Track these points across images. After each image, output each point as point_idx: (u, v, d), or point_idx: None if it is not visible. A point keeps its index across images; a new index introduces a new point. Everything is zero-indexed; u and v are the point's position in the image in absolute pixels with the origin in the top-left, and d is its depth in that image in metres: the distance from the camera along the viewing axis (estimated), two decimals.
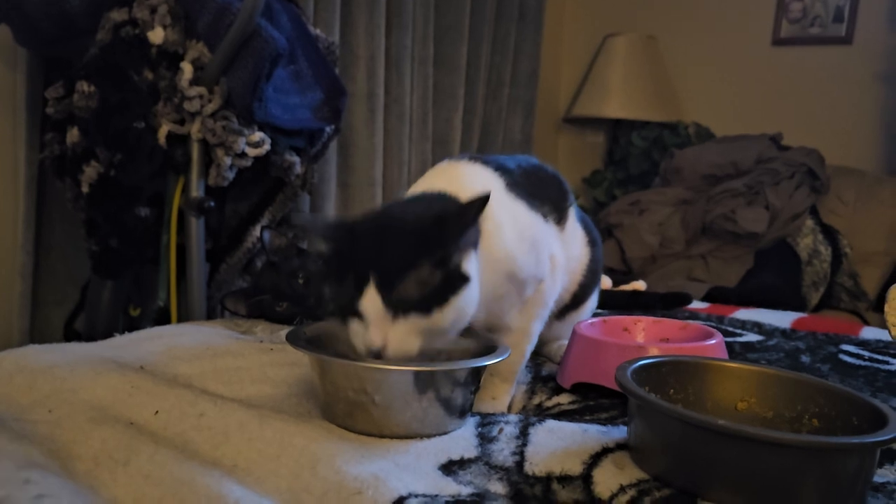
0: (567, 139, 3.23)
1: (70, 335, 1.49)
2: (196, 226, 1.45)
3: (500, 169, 0.89)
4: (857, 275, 2.18)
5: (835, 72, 2.61)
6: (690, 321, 1.16)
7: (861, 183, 2.35)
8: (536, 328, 0.90)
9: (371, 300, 0.69)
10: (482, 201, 0.70)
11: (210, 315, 1.43)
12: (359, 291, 0.69)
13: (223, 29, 1.40)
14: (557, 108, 3.20)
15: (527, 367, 1.01)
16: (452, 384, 0.74)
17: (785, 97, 2.69)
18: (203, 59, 1.42)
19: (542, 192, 0.94)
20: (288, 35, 1.61)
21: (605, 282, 1.55)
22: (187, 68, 1.41)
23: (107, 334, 1.35)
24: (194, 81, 1.41)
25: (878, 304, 2.26)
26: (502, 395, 0.88)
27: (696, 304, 1.56)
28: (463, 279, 0.71)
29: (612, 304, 1.36)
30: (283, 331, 0.97)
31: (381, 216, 0.75)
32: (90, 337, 1.43)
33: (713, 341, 0.90)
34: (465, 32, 2.65)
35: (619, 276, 2.25)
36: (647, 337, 0.98)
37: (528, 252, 0.84)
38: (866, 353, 1.13)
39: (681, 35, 2.91)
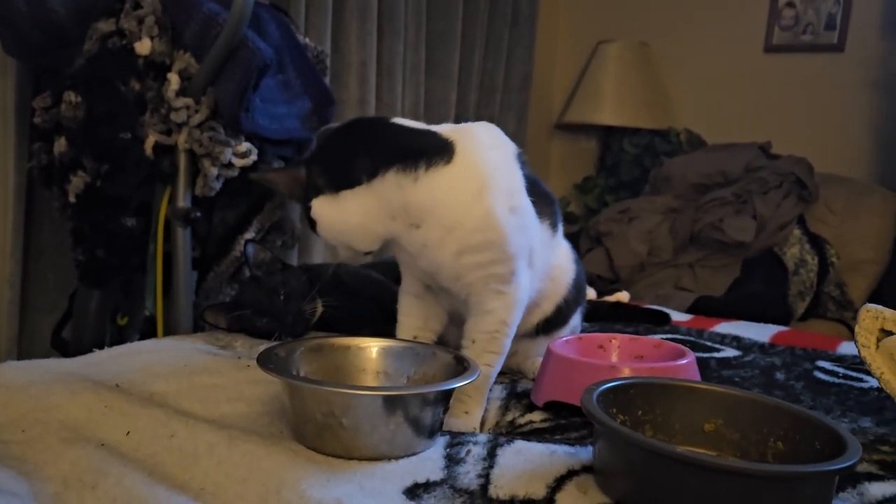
0: (559, 145, 3.24)
1: (57, 344, 1.50)
2: (182, 236, 1.45)
3: (516, 154, 0.95)
4: (844, 284, 2.19)
5: (826, 79, 2.62)
6: (666, 338, 1.18)
7: (850, 191, 2.35)
8: (514, 319, 0.90)
9: None
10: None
11: (196, 324, 1.44)
12: None
13: (210, 40, 1.41)
14: (550, 114, 3.21)
15: (503, 383, 1.02)
16: (421, 405, 0.75)
17: (777, 104, 2.70)
18: (190, 70, 1.42)
19: (539, 196, 0.96)
20: (276, 44, 1.62)
21: (590, 292, 1.56)
22: (174, 79, 1.42)
23: (94, 343, 1.37)
24: (181, 92, 1.42)
25: None
26: (475, 409, 0.89)
27: (681, 316, 1.56)
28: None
29: (594, 316, 1.37)
30: (263, 346, 0.97)
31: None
32: (77, 346, 1.44)
33: (685, 361, 0.91)
34: (458, 38, 2.66)
35: (607, 285, 2.26)
36: (621, 355, 0.99)
37: (513, 224, 0.86)
38: (841, 370, 1.14)
39: (673, 42, 2.91)
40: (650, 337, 1.05)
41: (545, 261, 0.98)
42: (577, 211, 3.00)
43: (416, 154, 0.86)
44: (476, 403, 0.90)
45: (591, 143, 3.14)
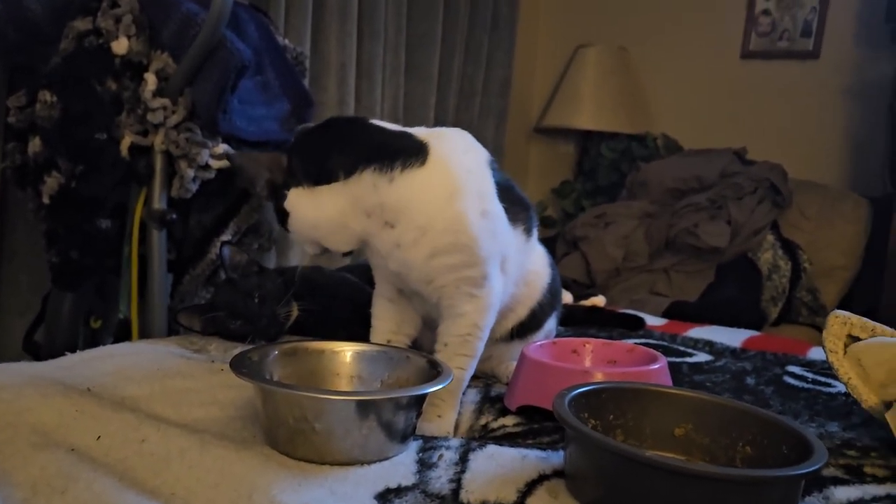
0: (538, 149, 3.26)
1: (29, 348, 1.48)
2: (158, 238, 1.44)
3: (489, 159, 0.96)
4: (816, 290, 2.22)
5: (802, 86, 2.65)
6: (640, 343, 1.19)
7: (824, 198, 2.39)
8: (487, 323, 0.91)
9: None
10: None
11: (171, 327, 1.43)
12: None
13: (188, 40, 1.40)
14: (529, 118, 3.22)
15: (477, 387, 1.02)
16: (394, 410, 0.75)
17: (753, 110, 2.73)
18: (167, 70, 1.41)
19: (513, 202, 0.98)
20: (255, 45, 1.61)
21: (567, 297, 1.57)
22: (151, 79, 1.41)
23: (67, 347, 1.35)
24: (158, 92, 1.41)
25: None
26: (448, 413, 0.90)
27: (655, 321, 1.58)
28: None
29: (570, 320, 1.38)
30: (237, 349, 0.97)
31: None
32: (50, 349, 1.43)
33: (657, 366, 0.92)
34: (438, 41, 2.66)
35: (583, 289, 2.28)
36: (594, 360, 1.00)
37: (484, 228, 0.87)
38: (810, 375, 1.15)
39: (652, 47, 2.94)
40: (623, 342, 1.06)
41: (519, 266, 0.99)
42: (554, 215, 3.02)
43: (392, 155, 0.87)
44: (449, 407, 0.90)
45: (569, 147, 3.16)
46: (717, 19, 2.82)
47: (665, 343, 1.30)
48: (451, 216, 0.86)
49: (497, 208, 0.91)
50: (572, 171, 3.09)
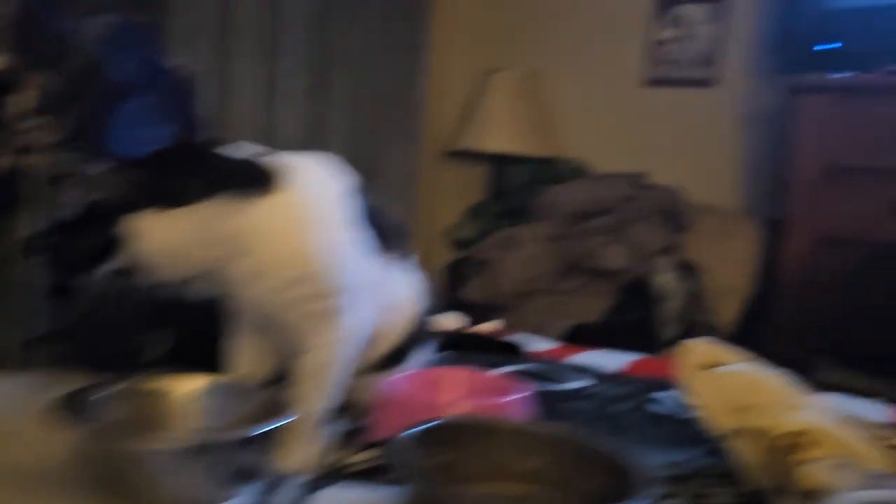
0: (452, 172, 3.27)
1: None
2: (32, 263, 1.38)
3: (352, 187, 0.93)
4: (713, 310, 2.29)
5: (701, 112, 2.75)
6: (519, 370, 1.19)
7: (721, 220, 2.47)
8: (341, 356, 0.89)
9: None
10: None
11: (29, 357, 1.36)
12: None
13: (67, 59, 1.36)
14: (443, 141, 3.24)
15: (336, 421, 1.00)
16: (233, 451, 0.73)
17: (656, 136, 2.82)
18: (46, 89, 1.36)
19: (383, 230, 0.96)
20: (140, 65, 1.57)
21: (457, 321, 1.56)
22: (27, 98, 1.35)
23: None
24: (35, 112, 1.36)
25: (734, 339, 2.37)
26: (299, 450, 0.87)
27: (546, 345, 1.58)
28: None
29: (454, 346, 1.37)
30: (77, 386, 0.92)
31: None
32: None
33: (516, 397, 0.91)
34: (347, 63, 2.66)
35: (488, 312, 2.29)
36: (458, 391, 0.99)
37: (337, 259, 0.86)
38: (676, 402, 1.17)
39: (561, 72, 3.00)
40: (491, 371, 1.06)
41: (385, 295, 0.98)
42: (468, 237, 3.03)
43: (243, 181, 0.84)
44: (300, 444, 0.87)
45: (483, 169, 3.18)
46: (620, 46, 2.90)
47: (543, 370, 1.31)
48: (299, 247, 0.84)
49: (354, 238, 0.90)
50: (487, 193, 3.12)
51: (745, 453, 0.86)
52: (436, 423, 0.77)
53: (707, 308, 2.30)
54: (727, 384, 0.90)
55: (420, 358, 1.08)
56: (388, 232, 0.98)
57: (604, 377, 1.29)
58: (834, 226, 2.03)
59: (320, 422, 0.90)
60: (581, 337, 2.05)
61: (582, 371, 1.35)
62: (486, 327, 1.60)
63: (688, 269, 2.27)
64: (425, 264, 3.43)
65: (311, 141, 2.58)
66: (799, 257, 2.07)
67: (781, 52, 2.36)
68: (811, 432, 0.84)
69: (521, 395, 0.93)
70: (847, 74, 2.12)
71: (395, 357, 1.03)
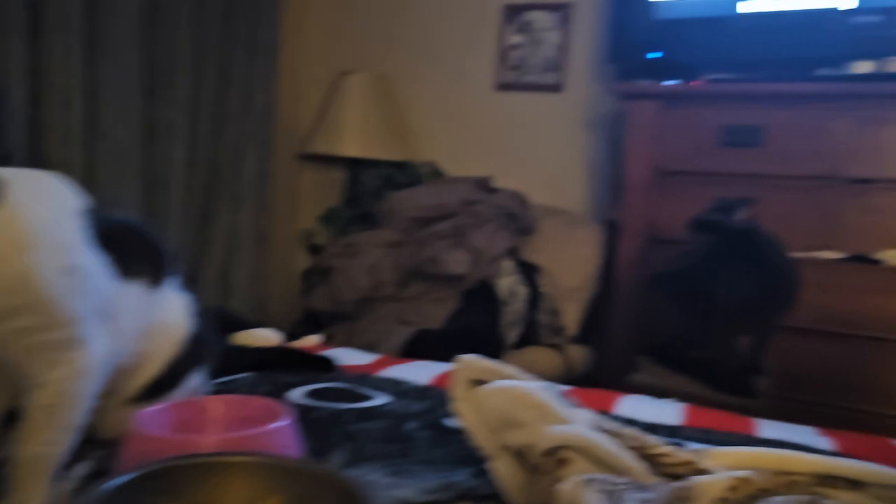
0: (309, 176, 3.20)
1: None
2: None
3: (90, 206, 0.86)
4: (556, 311, 2.33)
5: (548, 118, 2.80)
6: (326, 387, 1.16)
7: (565, 223, 2.53)
8: (82, 390, 0.82)
9: None
10: None
11: None
12: None
13: None
14: (299, 145, 3.16)
15: (88, 459, 0.92)
16: None
17: (506, 139, 2.85)
18: None
19: (135, 251, 0.91)
20: None
21: (273, 337, 1.51)
22: None
23: None
24: None
25: (578, 339, 2.44)
26: (32, 496, 0.79)
27: (368, 358, 1.55)
28: None
29: (261, 364, 1.32)
30: None
31: None
32: None
33: (279, 424, 0.87)
34: (187, 63, 2.53)
35: (332, 321, 2.24)
36: (225, 420, 0.94)
37: (66, 286, 0.78)
38: None
39: (414, 75, 2.99)
40: (263, 398, 1.00)
41: (140, 320, 0.91)
42: (321, 243, 2.97)
43: None
44: (32, 489, 0.80)
45: (339, 174, 3.13)
46: (472, 50, 2.92)
47: (348, 386, 1.27)
48: (17, 273, 0.76)
49: (88, 261, 0.83)
50: (341, 198, 3.06)
51: (507, 474, 0.86)
52: (154, 465, 0.72)
53: (551, 309, 2.34)
54: (490, 402, 0.89)
55: (192, 385, 1.02)
56: (139, 253, 0.92)
57: (406, 392, 1.27)
58: (662, 227, 2.10)
59: (54, 464, 0.82)
60: (423, 343, 2.04)
61: (395, 385, 1.33)
62: (307, 342, 1.55)
63: (529, 272, 2.30)
64: (284, 272, 3.34)
65: (147, 143, 2.44)
66: (631, 258, 2.14)
67: (618, 59, 2.43)
68: (571, 448, 0.84)
69: (287, 422, 0.88)
70: (673, 82, 2.20)
71: (159, 386, 0.97)
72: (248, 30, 2.74)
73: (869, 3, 2.00)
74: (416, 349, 1.98)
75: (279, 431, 0.87)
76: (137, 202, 2.38)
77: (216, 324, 1.26)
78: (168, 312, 0.97)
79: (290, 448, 0.88)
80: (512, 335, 2.21)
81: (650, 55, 2.31)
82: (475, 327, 2.14)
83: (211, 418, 0.93)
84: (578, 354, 2.38)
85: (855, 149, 1.95)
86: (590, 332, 2.45)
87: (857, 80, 1.98)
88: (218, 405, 0.95)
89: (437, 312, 2.16)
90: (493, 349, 2.13)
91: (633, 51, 2.34)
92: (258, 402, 0.97)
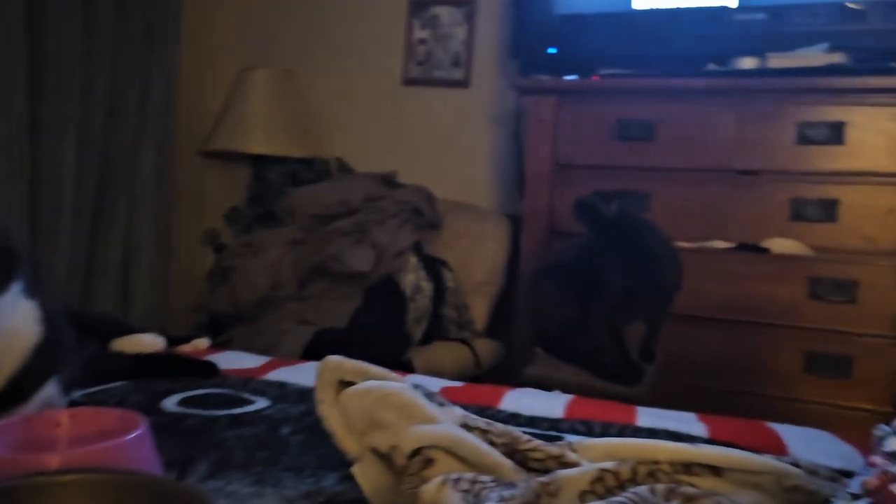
0: (214, 174, 3.11)
1: None
2: None
3: None
4: (463, 306, 2.33)
5: (455, 113, 2.80)
6: (209, 392, 1.12)
7: (472, 218, 2.53)
8: None
9: None
10: None
11: None
12: None
13: None
14: (202, 142, 3.07)
15: None
16: None
17: (414, 135, 2.84)
18: None
19: None
20: None
21: (156, 343, 1.45)
22: None
23: None
24: None
25: (487, 333, 2.45)
26: None
27: (252, 362, 1.51)
28: None
29: (141, 371, 1.27)
30: None
31: None
32: None
33: (128, 438, 0.83)
34: (77, 56, 2.41)
35: (232, 322, 2.18)
36: (72, 437, 0.89)
37: None
38: None
39: (320, 70, 2.94)
40: (118, 409, 0.95)
41: None
42: (225, 242, 2.89)
43: None
44: None
45: (244, 171, 3.05)
46: (379, 45, 2.89)
47: (229, 392, 1.23)
48: None
49: None
50: (246, 196, 2.99)
51: (373, 477, 0.84)
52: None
53: (457, 304, 2.34)
54: (356, 404, 0.87)
55: (45, 397, 0.96)
56: None
57: (287, 395, 1.24)
58: (561, 220, 2.13)
59: None
60: (325, 342, 2.00)
61: (279, 388, 1.30)
62: (196, 346, 1.50)
63: (434, 267, 2.29)
64: (189, 273, 3.22)
65: (33, 140, 2.32)
66: (532, 251, 2.16)
67: (519, 55, 2.45)
68: (437, 447, 0.83)
69: (140, 433, 0.84)
70: (571, 78, 2.23)
71: (9, 396, 0.91)
72: (146, 21, 2.63)
73: (750, 2, 2.07)
74: (318, 349, 1.95)
75: (131, 444, 0.83)
76: (21, 202, 2.25)
77: (83, 329, 1.21)
78: (14, 319, 0.91)
79: (145, 461, 0.84)
80: (418, 331, 2.20)
81: (550, 50, 2.33)
82: (380, 325, 2.12)
83: (62, 434, 0.88)
84: (486, 348, 2.39)
85: (741, 142, 2.01)
86: (498, 325, 2.46)
87: (741, 76, 2.05)
88: (71, 419, 0.90)
89: (340, 311, 2.13)
90: (399, 346, 2.11)
91: (533, 46, 2.36)
92: (114, 414, 0.92)
